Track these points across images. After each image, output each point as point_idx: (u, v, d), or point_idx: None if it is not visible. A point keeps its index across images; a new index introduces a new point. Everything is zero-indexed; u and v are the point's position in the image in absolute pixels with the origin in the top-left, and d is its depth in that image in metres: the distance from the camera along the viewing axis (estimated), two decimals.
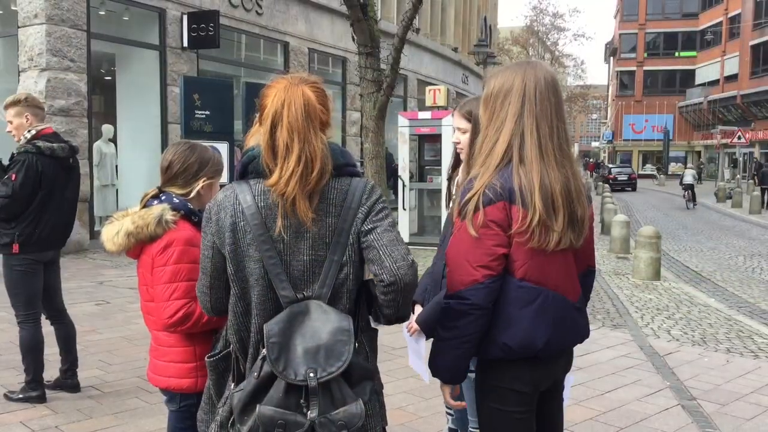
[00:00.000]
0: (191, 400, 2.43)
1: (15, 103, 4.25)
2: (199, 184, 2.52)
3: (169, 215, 2.44)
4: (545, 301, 2.08)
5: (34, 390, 4.36)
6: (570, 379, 2.48)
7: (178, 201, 2.49)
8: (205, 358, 2.05)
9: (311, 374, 1.76)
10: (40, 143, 4.24)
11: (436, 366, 2.15)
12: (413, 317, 2.60)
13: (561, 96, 2.17)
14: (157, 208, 2.46)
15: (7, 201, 4.09)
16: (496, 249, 2.01)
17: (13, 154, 4.29)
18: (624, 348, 5.98)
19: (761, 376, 5.37)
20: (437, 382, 2.20)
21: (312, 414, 1.75)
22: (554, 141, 2.10)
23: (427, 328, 2.54)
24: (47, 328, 4.54)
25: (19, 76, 10.53)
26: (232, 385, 1.93)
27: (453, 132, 2.75)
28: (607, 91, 69.27)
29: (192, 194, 2.53)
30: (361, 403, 1.82)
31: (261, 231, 1.85)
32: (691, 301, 8.33)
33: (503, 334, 2.06)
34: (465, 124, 2.65)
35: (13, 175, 4.11)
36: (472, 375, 2.58)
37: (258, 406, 1.77)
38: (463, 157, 2.69)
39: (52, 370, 4.63)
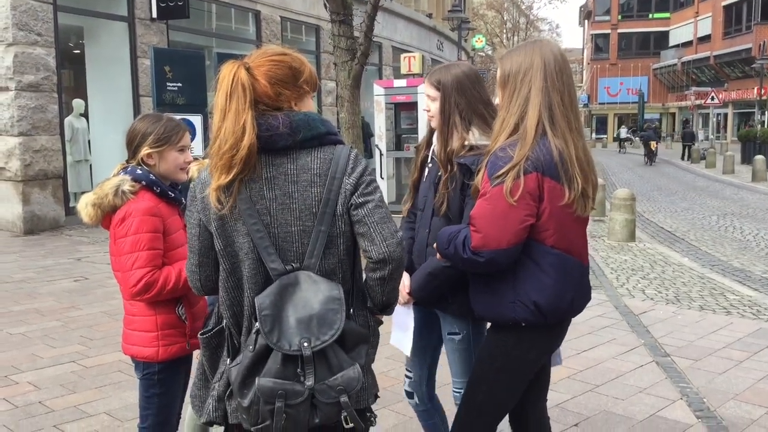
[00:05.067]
0: (153, 369, 2.49)
1: None
2: (141, 154, 2.52)
3: (127, 186, 2.46)
4: (571, 267, 2.23)
5: None
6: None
7: (140, 172, 2.50)
8: (198, 335, 2.05)
9: (305, 344, 1.78)
10: None
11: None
12: (404, 286, 2.64)
13: (571, 70, 2.31)
14: (116, 179, 2.49)
15: None
16: (526, 218, 2.14)
17: None
18: (600, 308, 6.10)
19: (733, 331, 5.52)
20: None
21: (309, 382, 1.78)
22: (574, 112, 2.24)
23: (420, 295, 2.62)
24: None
25: None
26: (228, 360, 1.95)
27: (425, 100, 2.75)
28: (582, 55, 69.24)
29: (139, 164, 2.54)
30: (358, 367, 1.84)
31: (246, 205, 1.85)
32: (666, 261, 8.49)
33: (535, 295, 2.18)
34: (434, 92, 2.64)
35: None
36: (456, 337, 2.65)
37: (257, 378, 1.79)
38: (434, 125, 2.69)
39: None
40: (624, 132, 42.70)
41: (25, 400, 4.12)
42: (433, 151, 2.70)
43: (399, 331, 2.75)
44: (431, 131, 2.76)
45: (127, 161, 2.59)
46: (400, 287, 2.65)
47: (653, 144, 29.15)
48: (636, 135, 42.56)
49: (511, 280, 2.21)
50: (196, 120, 8.69)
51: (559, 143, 2.16)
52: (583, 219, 2.28)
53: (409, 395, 2.91)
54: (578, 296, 2.28)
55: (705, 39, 48.95)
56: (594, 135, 54.08)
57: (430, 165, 2.72)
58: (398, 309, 2.72)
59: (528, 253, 2.18)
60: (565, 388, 4.28)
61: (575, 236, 2.25)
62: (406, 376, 2.92)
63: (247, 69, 1.89)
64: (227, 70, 1.89)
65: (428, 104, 2.67)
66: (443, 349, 2.82)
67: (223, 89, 1.87)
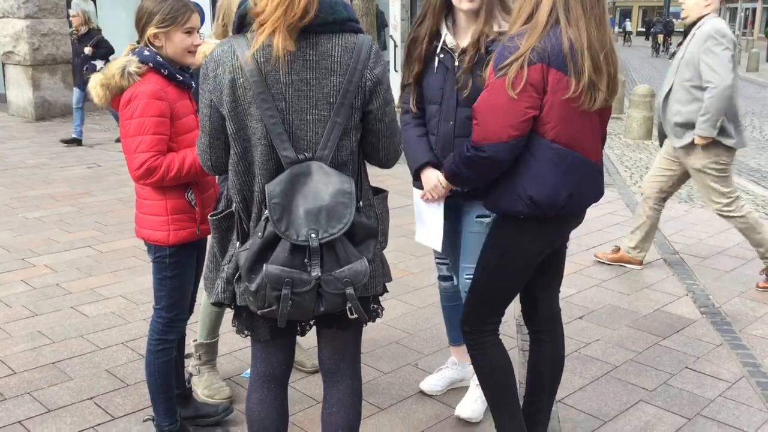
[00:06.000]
0: (164, 252, 2.51)
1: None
2: (147, 34, 2.45)
3: (133, 67, 2.40)
4: (572, 162, 2.18)
5: None
6: None
7: (148, 53, 2.44)
8: (208, 217, 2.05)
9: (312, 235, 1.77)
10: None
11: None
12: (435, 184, 2.58)
13: None
14: (123, 59, 2.44)
15: None
16: (528, 111, 2.09)
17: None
18: (611, 206, 6.08)
19: None
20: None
21: (315, 273, 1.79)
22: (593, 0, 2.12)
23: (455, 179, 2.49)
24: None
25: None
26: (237, 243, 1.95)
27: None
28: None
29: (147, 45, 2.47)
30: (366, 261, 1.85)
31: (261, 88, 1.80)
32: None
33: (531, 189, 2.17)
34: None
35: None
36: (485, 220, 2.61)
37: (265, 265, 1.79)
38: (470, 6, 2.49)
39: None
40: (629, 25, 45.18)
41: (43, 282, 4.23)
42: (445, 42, 2.59)
43: (426, 227, 2.73)
44: (436, 21, 2.60)
45: (137, 42, 2.53)
46: (435, 183, 2.58)
47: (660, 37, 31.68)
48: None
49: (510, 172, 2.21)
50: (205, 3, 8.43)
51: (572, 33, 2.08)
52: (593, 114, 2.19)
53: (447, 279, 3.00)
54: (579, 192, 2.23)
55: None
56: (616, 29, 52.24)
57: (441, 56, 2.60)
58: (426, 206, 2.68)
59: (527, 145, 2.15)
60: (572, 282, 4.33)
61: (581, 131, 2.18)
62: (441, 264, 2.98)
63: None
64: None
65: None
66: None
67: None
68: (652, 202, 4.56)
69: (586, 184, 2.26)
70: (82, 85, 8.17)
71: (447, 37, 2.59)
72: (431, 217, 2.70)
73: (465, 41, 2.54)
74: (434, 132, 2.65)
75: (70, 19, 8.44)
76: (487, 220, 2.64)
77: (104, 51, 8.17)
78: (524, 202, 2.19)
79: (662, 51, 31.25)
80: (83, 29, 8.27)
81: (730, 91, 3.98)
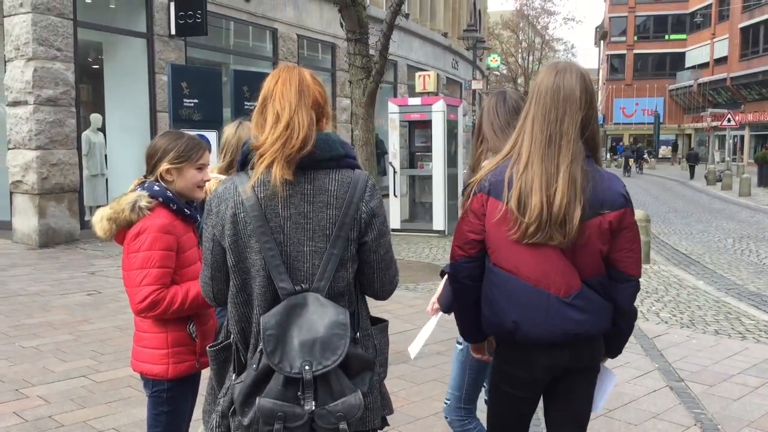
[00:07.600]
0: (162, 386, 2.48)
1: None
2: (160, 169, 2.53)
3: (144, 202, 2.47)
4: (516, 289, 2.19)
5: None
6: (612, 377, 2.52)
7: (158, 188, 2.51)
8: (207, 348, 2.06)
9: (306, 367, 1.77)
10: None
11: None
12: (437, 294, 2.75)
13: (569, 96, 2.18)
14: (133, 195, 2.50)
15: None
16: (468, 234, 2.25)
17: None
18: None
19: (748, 357, 5.44)
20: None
21: (308, 406, 1.77)
22: (546, 137, 2.19)
23: (448, 311, 2.66)
24: None
25: (5, 66, 10.44)
26: (234, 376, 1.94)
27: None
28: (598, 75, 69.23)
29: (157, 180, 2.56)
30: (360, 394, 1.82)
31: (260, 222, 1.86)
32: (680, 284, 8.40)
33: (484, 309, 2.29)
34: None
35: None
36: (458, 347, 2.76)
37: (258, 398, 1.78)
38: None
39: None
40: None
41: (35, 414, 4.12)
42: None
43: (420, 338, 2.85)
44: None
45: (145, 176, 2.60)
46: (432, 298, 2.75)
47: (631, 161, 37.51)
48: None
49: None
50: (211, 136, 8.75)
51: (516, 167, 2.19)
52: (548, 247, 2.14)
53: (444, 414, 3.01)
54: (531, 322, 2.16)
55: (722, 61, 48.81)
56: (607, 155, 53.94)
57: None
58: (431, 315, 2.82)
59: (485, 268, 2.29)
60: None
61: (527, 260, 2.15)
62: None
63: (311, 75, 1.96)
64: (289, 69, 1.96)
65: None
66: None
67: (292, 85, 1.91)
68: None
69: (541, 314, 2.16)
70: None
71: None
72: (426, 325, 2.83)
73: None
74: None
75: None
76: (459, 347, 2.80)
77: None
78: (485, 323, 2.30)
79: (636, 171, 37.64)
80: None
81: None
